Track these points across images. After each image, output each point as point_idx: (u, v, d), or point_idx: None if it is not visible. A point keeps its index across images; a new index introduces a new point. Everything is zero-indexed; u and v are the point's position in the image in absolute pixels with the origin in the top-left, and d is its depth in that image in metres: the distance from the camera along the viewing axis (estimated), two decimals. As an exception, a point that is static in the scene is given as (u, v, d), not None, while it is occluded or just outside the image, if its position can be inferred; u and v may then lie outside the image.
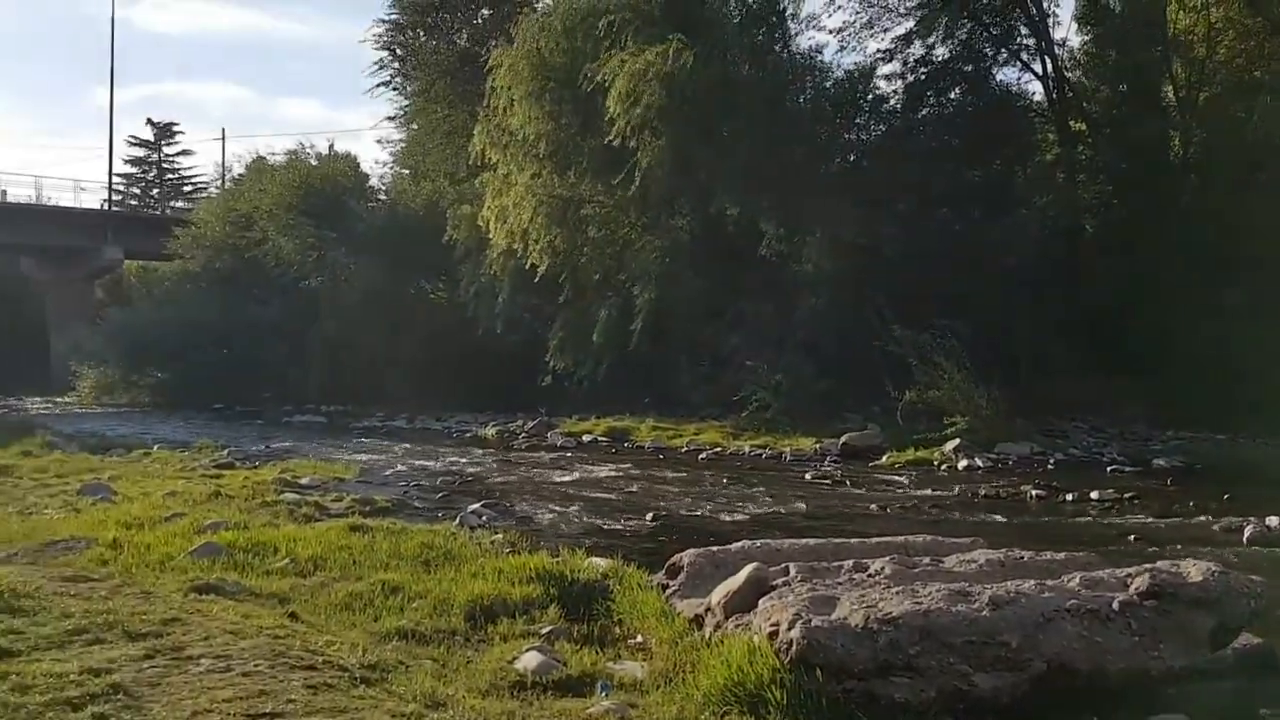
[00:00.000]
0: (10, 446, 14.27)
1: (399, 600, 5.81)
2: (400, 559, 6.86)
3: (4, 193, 43.82)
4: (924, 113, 23.48)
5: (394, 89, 32.76)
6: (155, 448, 16.08)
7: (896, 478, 13.93)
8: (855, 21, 23.24)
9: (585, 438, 19.21)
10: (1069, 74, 23.44)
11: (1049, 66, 23.00)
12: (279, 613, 5.45)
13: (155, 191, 67.27)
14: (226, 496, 10.18)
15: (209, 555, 6.63)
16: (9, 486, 10.83)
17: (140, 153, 66.59)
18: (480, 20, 29.87)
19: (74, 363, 33.12)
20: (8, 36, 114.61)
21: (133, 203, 63.26)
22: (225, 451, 15.72)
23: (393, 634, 5.23)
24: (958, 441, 15.44)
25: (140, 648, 4.50)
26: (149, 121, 66.94)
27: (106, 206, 49.51)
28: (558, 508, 11.03)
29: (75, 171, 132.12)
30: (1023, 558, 5.51)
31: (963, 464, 14.74)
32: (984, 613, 4.37)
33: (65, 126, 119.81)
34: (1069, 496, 11.90)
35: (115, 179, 57.86)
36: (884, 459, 15.46)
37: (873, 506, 11.44)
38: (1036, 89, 23.81)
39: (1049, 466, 14.80)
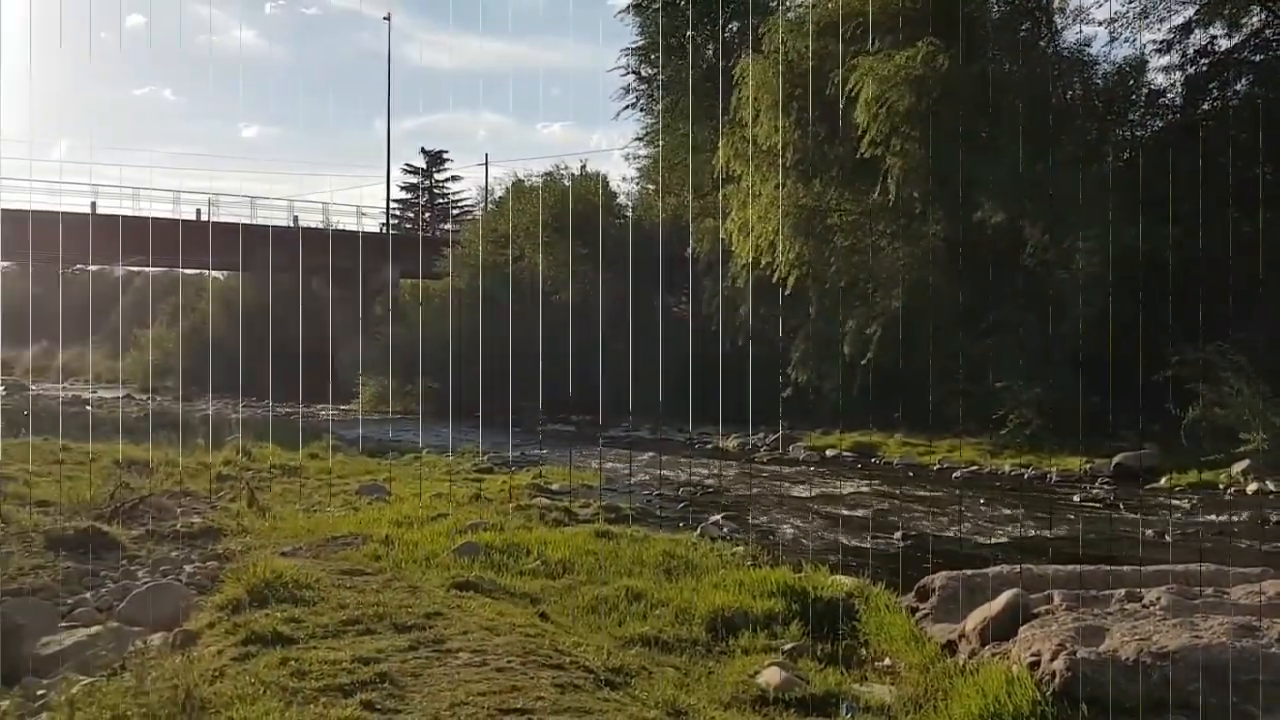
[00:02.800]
0: (300, 450, 15.64)
1: (642, 607, 5.89)
2: (643, 566, 6.98)
3: (296, 218, 47.92)
4: (1206, 106, 21.53)
5: (640, 110, 33.68)
6: (424, 452, 17.22)
7: (1176, 502, 12.76)
8: (1128, 12, 21.66)
9: (829, 452, 18.85)
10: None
11: (1353, 50, 20.45)
12: (530, 612, 5.66)
13: (427, 215, 72.49)
14: (485, 499, 10.74)
15: (469, 554, 7.00)
16: (297, 486, 11.85)
17: (414, 179, 72.05)
18: (728, 34, 30.14)
19: (356, 373, 36.19)
20: (298, 77, 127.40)
21: (407, 226, 68.36)
22: (485, 457, 16.65)
23: (636, 639, 5.31)
24: (1247, 463, 14.02)
25: (405, 639, 4.78)
26: (422, 150, 72.51)
27: (385, 230, 53.72)
28: (800, 522, 10.86)
29: (356, 197, 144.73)
30: (1322, 592, 4.93)
31: (1252, 487, 13.40)
32: (1273, 650, 4.03)
33: (347, 156, 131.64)
34: (1380, 526, 10.50)
35: (391, 204, 62.86)
36: (1162, 481, 14.24)
37: (1149, 533, 10.52)
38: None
39: (1356, 492, 13.12)
